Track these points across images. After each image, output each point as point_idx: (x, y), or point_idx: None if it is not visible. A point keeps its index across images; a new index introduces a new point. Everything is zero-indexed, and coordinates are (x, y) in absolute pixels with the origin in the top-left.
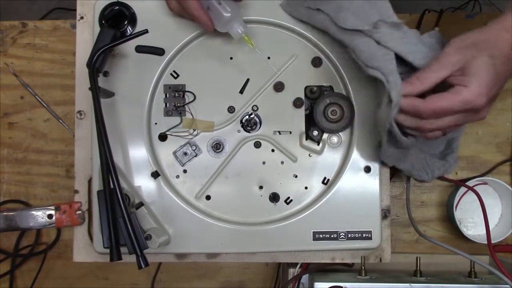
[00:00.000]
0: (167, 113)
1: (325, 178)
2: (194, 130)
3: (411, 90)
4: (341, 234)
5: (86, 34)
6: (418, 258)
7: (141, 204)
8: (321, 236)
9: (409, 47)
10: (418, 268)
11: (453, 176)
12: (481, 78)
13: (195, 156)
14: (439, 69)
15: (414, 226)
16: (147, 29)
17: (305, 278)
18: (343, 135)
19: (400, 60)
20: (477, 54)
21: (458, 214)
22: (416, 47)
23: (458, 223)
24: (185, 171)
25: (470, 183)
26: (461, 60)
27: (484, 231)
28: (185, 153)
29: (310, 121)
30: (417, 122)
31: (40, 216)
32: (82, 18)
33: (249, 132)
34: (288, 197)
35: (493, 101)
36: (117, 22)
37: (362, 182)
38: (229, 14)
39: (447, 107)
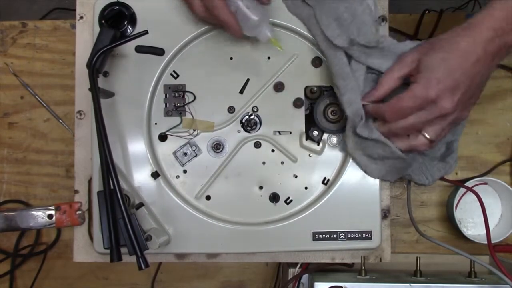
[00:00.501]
0: (167, 113)
1: (325, 178)
2: (194, 130)
3: (375, 95)
4: (341, 234)
5: (86, 34)
6: (418, 258)
7: (141, 204)
8: (321, 236)
9: (383, 60)
10: (418, 268)
11: (453, 176)
12: (429, 72)
13: (195, 156)
14: (396, 70)
15: (414, 226)
16: (147, 30)
17: (305, 278)
18: (343, 135)
19: None
20: (431, 51)
21: (458, 214)
22: (391, 59)
23: (458, 223)
24: (185, 171)
25: (470, 183)
26: (415, 59)
27: (484, 231)
28: (185, 153)
29: (310, 121)
30: (388, 127)
31: (40, 216)
32: (82, 18)
33: (249, 132)
34: (288, 197)
35: (454, 93)
36: (117, 22)
37: (362, 182)
38: (257, 18)
39: (403, 105)
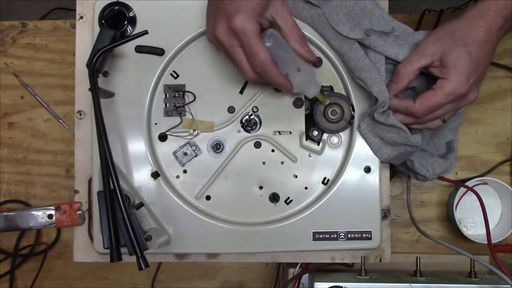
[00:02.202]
0: (167, 113)
1: (325, 178)
2: (194, 130)
3: (397, 88)
4: (341, 234)
5: (85, 34)
6: (418, 258)
7: (141, 204)
8: (321, 236)
9: (399, 49)
10: (418, 268)
11: (453, 176)
12: (459, 68)
13: (195, 156)
14: (416, 60)
15: (415, 225)
16: (147, 30)
17: (305, 278)
18: (343, 135)
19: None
20: (453, 44)
21: (458, 214)
22: (406, 49)
23: (458, 223)
24: (185, 171)
25: (470, 183)
26: (438, 51)
27: (484, 231)
28: (185, 153)
29: (310, 121)
30: (414, 120)
31: (40, 216)
32: (81, 18)
33: (249, 132)
34: (288, 197)
35: (478, 83)
36: (117, 22)
37: (362, 182)
38: (306, 77)
39: (435, 103)
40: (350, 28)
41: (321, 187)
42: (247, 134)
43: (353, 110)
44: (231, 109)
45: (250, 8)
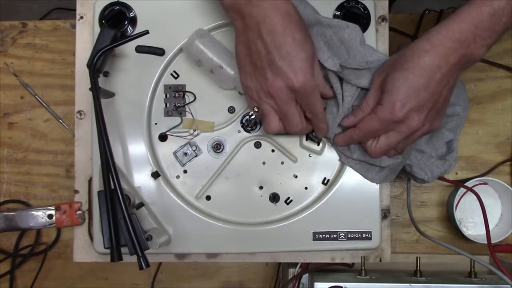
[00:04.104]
0: (167, 113)
1: (325, 178)
2: (194, 130)
3: (353, 121)
4: (341, 234)
5: (86, 34)
6: (418, 258)
7: (141, 204)
8: (321, 236)
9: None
10: (418, 268)
11: (453, 176)
12: (393, 93)
13: (195, 156)
14: (371, 97)
15: (415, 225)
16: (147, 30)
17: (305, 278)
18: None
19: None
20: (392, 70)
21: (458, 214)
22: None
23: (458, 223)
24: (185, 171)
25: (470, 183)
26: (379, 82)
27: (484, 231)
28: (185, 154)
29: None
30: (365, 148)
31: (40, 216)
32: (82, 18)
33: (249, 132)
34: (288, 197)
35: (421, 111)
36: (117, 22)
37: (362, 182)
38: (234, 72)
39: (371, 127)
40: (328, 56)
41: (321, 187)
42: (247, 134)
43: None
44: (231, 109)
45: (308, 63)
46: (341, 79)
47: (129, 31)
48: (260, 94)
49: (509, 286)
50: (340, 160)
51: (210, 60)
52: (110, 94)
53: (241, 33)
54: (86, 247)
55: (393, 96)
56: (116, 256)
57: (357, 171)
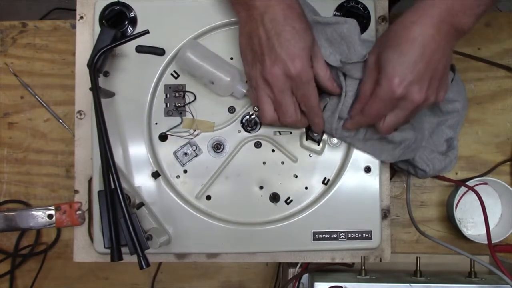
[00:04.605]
0: (168, 113)
1: (325, 178)
2: (195, 130)
3: (358, 109)
4: (341, 234)
5: (86, 34)
6: (418, 258)
7: (141, 204)
8: (321, 236)
9: None
10: (418, 268)
11: (453, 176)
12: (389, 70)
13: (196, 156)
14: (368, 80)
15: (415, 225)
16: (148, 30)
17: (305, 278)
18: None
19: None
20: (383, 47)
21: (458, 214)
22: None
23: (458, 223)
24: (185, 171)
25: (470, 183)
26: (373, 62)
27: (484, 231)
28: (186, 153)
29: None
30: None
31: (40, 216)
32: (82, 18)
33: (250, 132)
34: (288, 197)
35: (422, 83)
36: (117, 22)
37: (362, 182)
38: (229, 78)
39: (374, 109)
40: (331, 52)
41: (321, 187)
42: (247, 134)
43: None
44: (231, 109)
45: (306, 51)
46: (344, 75)
47: (129, 31)
48: (258, 81)
49: (509, 286)
50: (353, 146)
51: (204, 72)
52: (110, 94)
53: (245, 23)
54: (86, 247)
55: (389, 73)
56: (116, 256)
57: (370, 153)
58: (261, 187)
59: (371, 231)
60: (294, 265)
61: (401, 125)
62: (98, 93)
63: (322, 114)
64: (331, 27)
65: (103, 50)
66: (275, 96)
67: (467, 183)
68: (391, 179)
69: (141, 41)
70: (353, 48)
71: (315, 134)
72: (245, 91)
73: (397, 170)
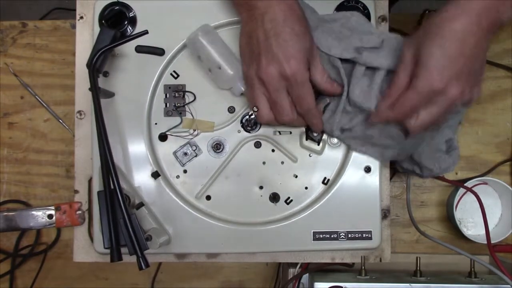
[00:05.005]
0: (167, 113)
1: (325, 178)
2: (194, 130)
3: (389, 103)
4: (341, 234)
5: (86, 34)
6: (418, 258)
7: (141, 204)
8: (321, 236)
9: (393, 59)
10: (418, 268)
11: (453, 176)
12: (430, 63)
13: (195, 156)
14: (402, 73)
15: (414, 225)
16: (147, 30)
17: (305, 278)
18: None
19: None
20: (424, 39)
21: (458, 214)
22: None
23: (458, 223)
24: (185, 171)
25: (470, 183)
26: (411, 55)
27: (484, 231)
28: (185, 153)
29: None
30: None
31: (40, 216)
32: (81, 18)
33: (249, 132)
34: (288, 197)
35: (460, 79)
36: (117, 22)
37: (362, 182)
38: (232, 72)
39: (409, 103)
40: (343, 48)
41: (321, 187)
42: (247, 134)
43: None
44: (231, 109)
45: (303, 53)
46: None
47: (128, 31)
48: (254, 81)
49: (509, 286)
50: (353, 149)
51: (210, 58)
52: (110, 94)
53: (246, 23)
54: (86, 247)
55: (429, 66)
56: (116, 256)
57: (373, 156)
58: (261, 187)
59: (371, 231)
60: (294, 265)
61: (432, 127)
62: (98, 94)
63: (319, 114)
64: (338, 23)
65: (102, 50)
66: (270, 95)
67: (467, 183)
68: (391, 179)
69: (140, 41)
70: (366, 38)
71: (315, 134)
72: (243, 89)
73: (400, 171)
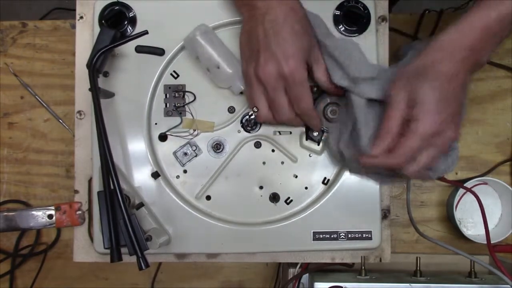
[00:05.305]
0: (167, 113)
1: (325, 178)
2: (194, 130)
3: (384, 146)
4: (341, 234)
5: (85, 34)
6: (418, 258)
7: (141, 204)
8: (321, 236)
9: (383, 92)
10: (418, 268)
11: (453, 176)
12: (427, 105)
13: (195, 156)
14: (395, 113)
15: (414, 225)
16: (147, 30)
17: (305, 278)
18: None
19: None
20: (418, 81)
21: (458, 214)
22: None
23: (458, 223)
24: (185, 171)
25: (470, 183)
26: (406, 95)
27: (484, 231)
28: (185, 153)
29: None
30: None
31: (40, 216)
32: (81, 18)
33: (249, 132)
34: (288, 197)
35: (453, 121)
36: (117, 22)
37: (362, 182)
38: (231, 71)
39: (412, 147)
40: (340, 76)
41: (321, 187)
42: (247, 134)
43: None
44: (231, 109)
45: (302, 53)
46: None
47: (128, 31)
48: (252, 79)
49: (508, 286)
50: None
51: (209, 58)
52: (110, 94)
53: (246, 22)
54: (86, 247)
55: (429, 108)
56: (116, 256)
57: (376, 181)
58: (261, 187)
59: (371, 231)
60: (294, 265)
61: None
62: (98, 94)
63: (317, 115)
64: (337, 50)
65: (102, 51)
66: (268, 93)
67: (467, 183)
68: None
69: (140, 41)
70: (364, 68)
71: (315, 134)
72: (243, 87)
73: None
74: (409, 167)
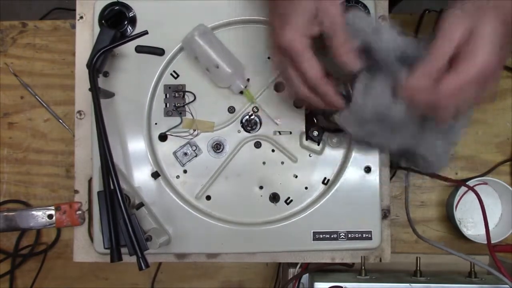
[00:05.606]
0: (167, 113)
1: (325, 178)
2: (194, 130)
3: (430, 69)
4: (341, 234)
5: (85, 34)
6: (418, 258)
7: (141, 204)
8: (321, 236)
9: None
10: (418, 268)
11: (453, 176)
12: (487, 44)
13: (195, 156)
14: (447, 43)
15: (412, 227)
16: (147, 31)
17: (305, 278)
18: (343, 135)
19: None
20: (482, 18)
21: (458, 214)
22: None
23: (458, 223)
24: (185, 171)
25: (470, 183)
26: (466, 29)
27: (484, 231)
28: (185, 153)
29: (310, 121)
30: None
31: (40, 216)
32: (81, 18)
33: (249, 132)
34: (288, 197)
35: (503, 62)
36: (117, 22)
37: (362, 182)
38: (231, 71)
39: (467, 79)
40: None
41: (321, 187)
42: (247, 134)
43: None
44: (231, 109)
45: (302, 17)
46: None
47: (128, 31)
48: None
49: (508, 286)
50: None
51: (208, 58)
52: (110, 94)
53: None
54: (86, 247)
55: (488, 46)
56: (116, 256)
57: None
58: (261, 187)
59: (371, 231)
60: (294, 265)
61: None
62: (98, 94)
63: (331, 88)
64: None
65: (102, 51)
66: (280, 67)
67: (467, 183)
68: (391, 179)
69: (140, 41)
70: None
71: (315, 134)
72: (243, 87)
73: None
74: (446, 110)
